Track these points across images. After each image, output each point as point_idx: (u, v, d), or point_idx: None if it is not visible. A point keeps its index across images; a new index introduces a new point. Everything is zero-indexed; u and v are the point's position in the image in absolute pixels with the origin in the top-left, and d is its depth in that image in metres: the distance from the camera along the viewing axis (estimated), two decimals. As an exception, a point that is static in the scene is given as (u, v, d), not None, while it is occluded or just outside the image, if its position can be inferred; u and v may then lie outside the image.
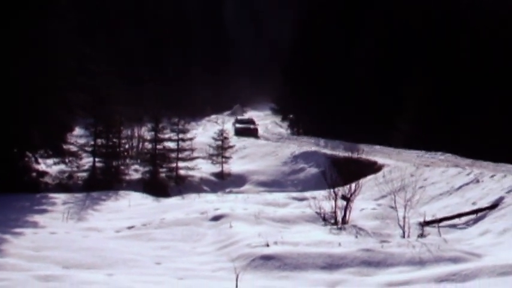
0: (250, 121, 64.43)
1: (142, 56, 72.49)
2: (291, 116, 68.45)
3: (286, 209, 28.46)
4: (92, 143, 40.73)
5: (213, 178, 43.65)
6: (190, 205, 29.23)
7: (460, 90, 44.64)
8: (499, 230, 21.33)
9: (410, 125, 46.82)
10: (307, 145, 49.86)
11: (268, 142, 53.88)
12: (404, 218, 21.75)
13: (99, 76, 40.75)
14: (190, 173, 43.02)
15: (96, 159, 40.49)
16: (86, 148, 40.76)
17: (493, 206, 24.36)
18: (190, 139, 45.69)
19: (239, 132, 57.88)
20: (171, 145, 44.27)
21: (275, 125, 72.56)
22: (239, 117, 68.76)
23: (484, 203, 25.02)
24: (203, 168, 44.03)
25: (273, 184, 41.96)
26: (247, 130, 59.07)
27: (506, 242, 19.78)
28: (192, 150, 45.37)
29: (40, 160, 37.98)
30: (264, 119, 78.89)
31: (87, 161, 40.65)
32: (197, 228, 23.39)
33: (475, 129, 41.43)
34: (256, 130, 60.42)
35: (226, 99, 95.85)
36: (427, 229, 22.36)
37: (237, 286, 12.60)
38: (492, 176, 28.33)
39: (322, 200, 24.97)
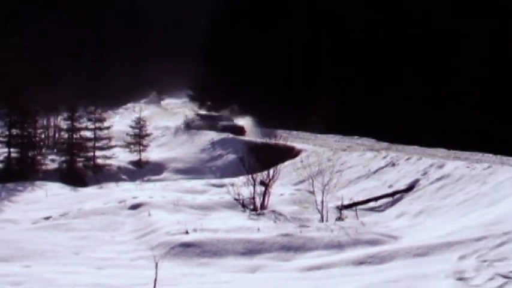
0: (229, 118, 55.19)
1: (58, 44, 70.68)
2: (209, 103, 67.85)
3: (205, 196, 28.36)
4: (7, 133, 39.67)
5: (131, 166, 43.19)
6: (109, 194, 28.84)
7: (378, 75, 45.18)
8: (414, 212, 21.74)
9: (327, 110, 47.15)
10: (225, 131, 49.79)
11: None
12: (322, 202, 21.89)
13: (13, 64, 39.66)
14: (108, 161, 42.46)
15: (12, 150, 39.49)
16: (0, 139, 39.68)
17: (409, 188, 24.84)
18: (107, 128, 45.13)
19: (223, 130, 49.86)
20: (88, 134, 43.61)
21: (193, 112, 72.10)
22: (206, 113, 59.67)
23: (400, 186, 25.48)
24: (121, 157, 43.50)
25: (192, 171, 41.76)
26: (232, 127, 50.69)
27: (421, 223, 20.17)
28: (110, 139, 44.76)
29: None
30: (182, 107, 78.30)
31: (1, 151, 39.58)
32: (116, 217, 23.09)
33: (392, 114, 42.07)
34: (242, 128, 51.38)
35: (143, 87, 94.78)
36: (345, 212, 22.58)
37: (156, 274, 12.38)
38: (408, 159, 28.85)
39: (241, 186, 24.97)
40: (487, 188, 21.67)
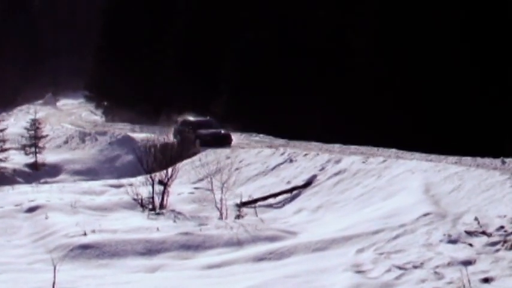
0: (212, 123, 40.55)
1: None
2: (105, 103, 66.33)
3: (103, 197, 27.83)
4: None
5: (26, 169, 41.85)
6: (4, 197, 27.88)
7: (272, 71, 45.41)
8: (313, 207, 21.99)
9: (224, 108, 47.13)
10: (123, 131, 49.00)
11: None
12: (221, 200, 21.88)
13: None
14: (3, 164, 41.01)
15: None
16: None
17: (307, 184, 25.09)
18: (1, 130, 43.59)
19: (204, 142, 37.37)
20: (-19, 137, 42.00)
21: (90, 113, 70.68)
22: (190, 118, 41.23)
23: (298, 182, 25.69)
24: (16, 160, 42.09)
25: (89, 172, 40.90)
26: (217, 138, 37.97)
27: (320, 218, 20.41)
28: (4, 141, 43.23)
29: None
30: (79, 108, 76.72)
31: None
32: (12, 220, 22.47)
33: (288, 110, 42.41)
34: (229, 137, 38.65)
35: (38, 88, 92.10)
36: (244, 210, 22.59)
37: (54, 277, 12.07)
38: (305, 155, 29.15)
39: (139, 186, 24.64)
40: (383, 181, 22.16)
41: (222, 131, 38.81)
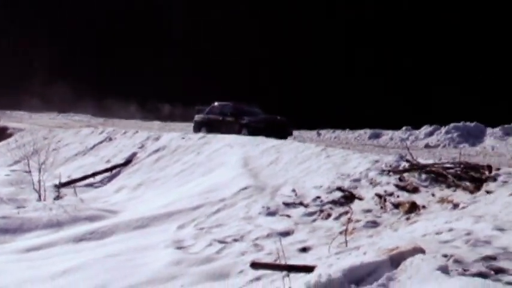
0: (256, 109, 31.26)
1: None
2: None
3: None
4: None
5: None
6: None
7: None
8: (133, 185, 21.83)
9: (42, 88, 45.71)
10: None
11: None
12: (39, 181, 21.18)
13: None
14: None
15: None
16: None
17: (127, 162, 24.91)
18: None
19: (255, 131, 27.78)
20: None
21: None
22: (227, 104, 31.20)
23: (118, 160, 25.44)
24: None
25: None
26: (272, 126, 28.98)
27: (141, 196, 20.30)
28: None
29: None
30: None
31: None
32: None
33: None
34: (288, 125, 30.18)
35: None
36: (64, 190, 22.02)
37: None
38: (124, 133, 28.87)
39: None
40: (203, 157, 22.40)
41: (278, 117, 30.10)
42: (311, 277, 7.04)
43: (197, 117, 31.69)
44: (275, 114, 30.44)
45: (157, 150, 24.97)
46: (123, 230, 15.26)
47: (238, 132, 27.88)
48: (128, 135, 28.24)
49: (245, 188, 16.73)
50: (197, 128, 30.91)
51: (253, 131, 27.69)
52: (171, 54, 41.47)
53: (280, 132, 28.35)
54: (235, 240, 12.79)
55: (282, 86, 32.15)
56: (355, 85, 29.02)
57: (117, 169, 24.53)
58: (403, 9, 28.16)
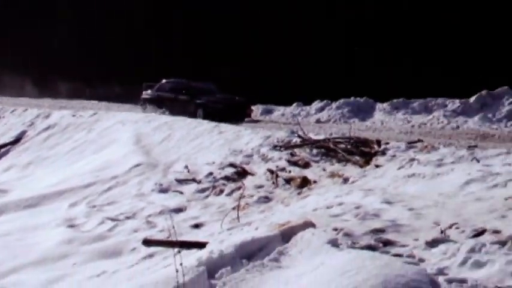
0: (213, 88, 28.50)
1: None
2: None
3: None
4: None
5: None
6: None
7: None
8: (23, 164, 21.29)
9: None
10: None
11: None
12: None
13: None
14: None
15: None
16: None
17: (16, 140, 24.27)
18: None
19: (211, 113, 25.11)
20: None
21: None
22: (181, 81, 28.60)
23: (7, 139, 24.74)
24: None
25: None
26: (231, 107, 26.43)
27: (31, 174, 19.83)
28: None
29: None
30: None
31: None
32: None
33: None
34: (248, 106, 27.52)
35: None
36: None
37: None
38: (13, 111, 28.09)
39: None
40: (94, 134, 22.07)
41: (237, 97, 27.39)
42: (203, 253, 7.09)
43: (145, 93, 29.20)
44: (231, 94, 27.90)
45: (47, 128, 24.39)
46: (12, 210, 14.90)
47: (194, 113, 25.30)
48: (16, 113, 27.46)
49: (137, 165, 16.62)
50: (144, 106, 28.74)
51: (211, 112, 25.12)
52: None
53: (239, 113, 26.21)
54: (128, 217, 12.71)
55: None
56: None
57: (6, 148, 23.84)
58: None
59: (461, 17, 27.75)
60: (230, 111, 25.68)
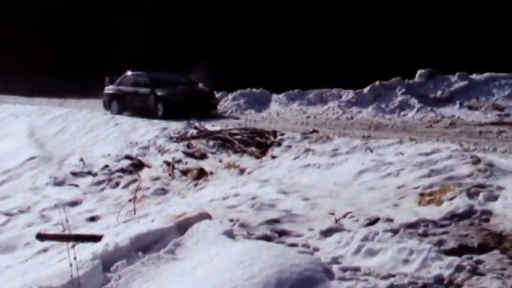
0: (178, 78, 25.54)
1: None
2: None
3: None
4: None
5: None
6: None
7: None
8: None
9: None
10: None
11: None
12: None
13: None
14: None
15: None
16: None
17: None
18: None
19: (172, 106, 22.64)
20: None
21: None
22: (140, 72, 25.12)
23: None
24: None
25: None
26: (194, 99, 23.41)
27: None
28: None
29: None
30: None
31: None
32: None
33: None
34: (213, 97, 24.97)
35: None
36: None
37: None
38: None
39: None
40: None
41: (201, 86, 25.26)
42: (98, 246, 7.06)
43: (107, 89, 25.57)
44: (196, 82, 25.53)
45: None
46: None
47: (154, 109, 22.80)
48: None
49: (31, 158, 16.31)
50: (107, 104, 25.03)
51: (171, 106, 22.52)
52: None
53: (204, 106, 23.32)
54: (22, 211, 12.48)
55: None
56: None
57: None
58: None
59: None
60: (193, 103, 22.72)
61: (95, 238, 7.95)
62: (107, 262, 6.50)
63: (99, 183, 14.04)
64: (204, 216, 7.59)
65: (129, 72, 25.20)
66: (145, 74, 24.56)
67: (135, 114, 22.66)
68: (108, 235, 8.00)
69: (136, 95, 23.95)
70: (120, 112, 23.69)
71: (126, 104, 24.20)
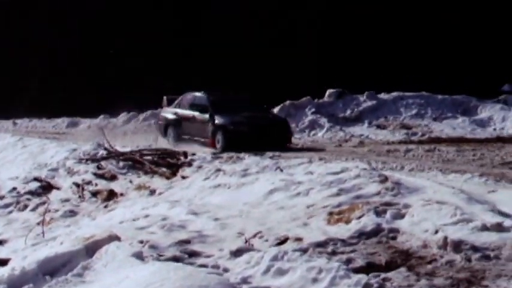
0: (247, 101, 21.63)
1: None
2: None
3: None
4: None
5: None
6: None
7: None
8: None
9: None
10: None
11: None
12: None
13: None
14: None
15: None
16: None
17: None
18: None
19: (235, 138, 18.45)
20: None
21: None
22: (200, 95, 20.94)
23: None
24: None
25: None
26: (262, 129, 19.17)
27: None
28: None
29: None
30: None
31: None
32: None
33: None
34: (287, 127, 20.42)
35: None
36: None
37: None
38: None
39: None
40: None
41: (272, 115, 21.93)
42: (4, 270, 6.90)
43: (163, 111, 22.10)
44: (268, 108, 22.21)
45: None
46: None
47: (212, 139, 19.09)
48: None
49: None
50: (163, 130, 21.47)
51: (233, 138, 18.53)
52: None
53: (275, 138, 19.23)
54: None
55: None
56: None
57: None
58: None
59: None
60: (262, 134, 18.89)
61: (1, 262, 7.78)
62: (13, 287, 6.36)
63: (6, 206, 13.68)
64: (113, 238, 7.53)
65: (189, 94, 21.45)
66: (204, 95, 20.72)
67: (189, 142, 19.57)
68: (15, 259, 7.84)
69: (194, 121, 20.29)
70: (177, 140, 20.19)
71: (184, 132, 20.49)
